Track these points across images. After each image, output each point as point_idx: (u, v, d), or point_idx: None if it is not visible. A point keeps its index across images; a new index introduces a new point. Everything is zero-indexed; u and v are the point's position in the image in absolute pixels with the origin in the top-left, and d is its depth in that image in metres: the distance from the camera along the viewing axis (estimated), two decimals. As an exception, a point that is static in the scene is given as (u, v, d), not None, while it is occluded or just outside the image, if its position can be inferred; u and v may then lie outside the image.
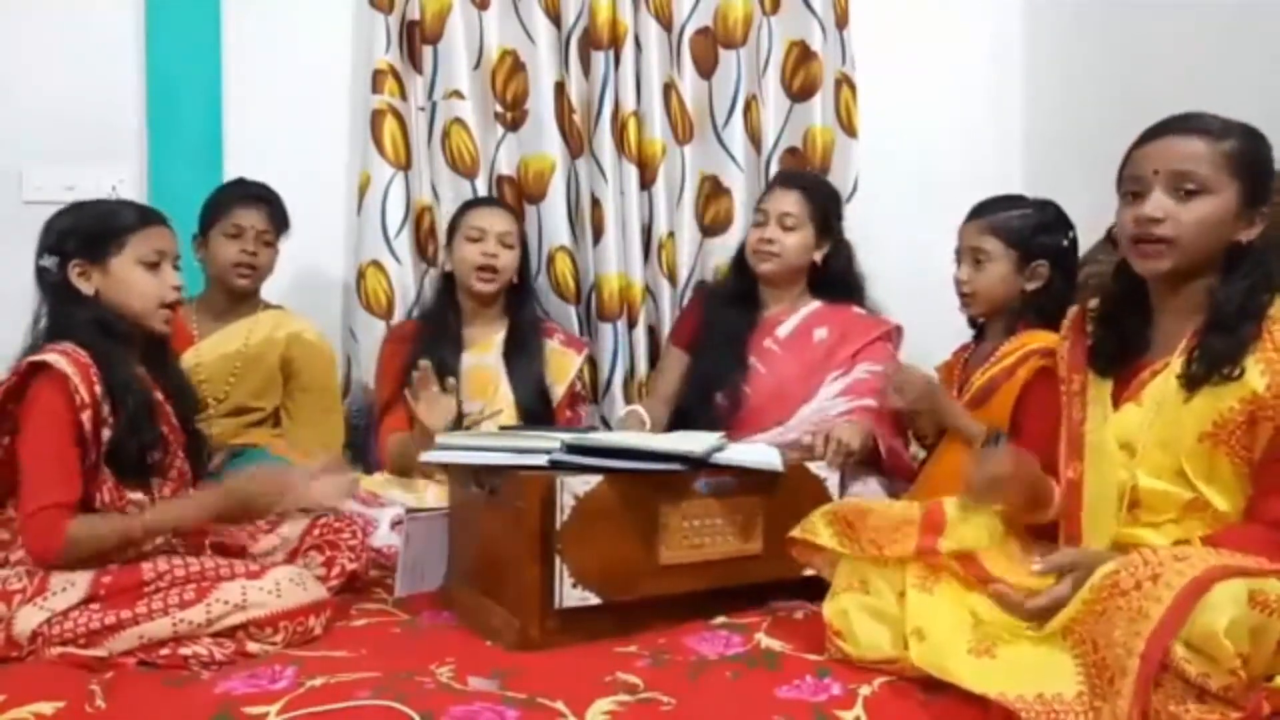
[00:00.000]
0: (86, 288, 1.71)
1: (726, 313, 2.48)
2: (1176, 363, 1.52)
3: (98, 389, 1.62)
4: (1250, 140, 1.52)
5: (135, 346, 1.75)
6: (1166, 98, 2.47)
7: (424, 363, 2.23)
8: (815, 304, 2.47)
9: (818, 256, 2.45)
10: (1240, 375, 1.45)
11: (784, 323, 2.44)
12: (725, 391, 2.37)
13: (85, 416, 1.59)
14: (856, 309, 2.48)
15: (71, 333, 1.67)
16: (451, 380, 2.26)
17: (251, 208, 2.40)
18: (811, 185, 2.52)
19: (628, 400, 2.76)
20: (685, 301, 2.83)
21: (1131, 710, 1.19)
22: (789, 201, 2.42)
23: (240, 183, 2.46)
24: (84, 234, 1.71)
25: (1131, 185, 1.55)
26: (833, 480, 1.87)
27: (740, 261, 2.53)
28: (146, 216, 1.77)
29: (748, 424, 2.29)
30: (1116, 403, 1.59)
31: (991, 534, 1.55)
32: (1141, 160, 1.54)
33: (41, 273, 1.73)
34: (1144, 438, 1.52)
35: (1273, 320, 1.47)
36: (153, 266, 1.74)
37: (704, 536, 1.72)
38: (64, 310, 1.70)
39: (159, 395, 1.77)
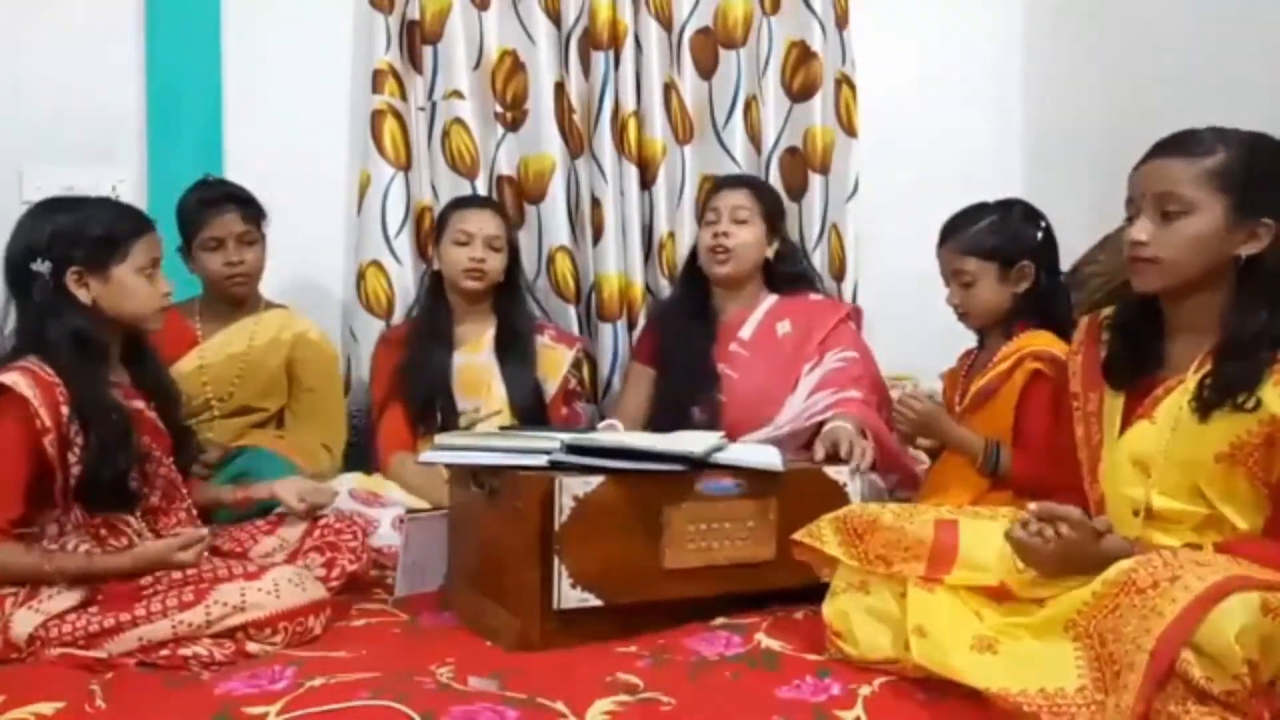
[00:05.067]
0: (84, 296, 1.67)
1: (684, 327, 2.49)
2: (1191, 383, 1.50)
3: (64, 410, 1.57)
4: (1242, 152, 1.49)
5: (110, 359, 1.72)
6: (1166, 97, 2.50)
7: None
8: (772, 298, 2.49)
9: (769, 253, 2.48)
10: (1256, 407, 1.44)
11: (745, 323, 2.46)
12: (701, 406, 2.38)
13: (48, 441, 1.55)
14: (812, 295, 2.53)
15: (45, 344, 1.62)
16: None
17: (223, 213, 2.33)
18: (757, 183, 2.62)
19: (625, 401, 2.75)
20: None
21: (1136, 705, 1.19)
22: (739, 197, 2.46)
23: (203, 185, 2.39)
24: (87, 240, 1.67)
25: (1129, 207, 1.57)
26: (853, 487, 1.84)
27: (689, 272, 2.55)
28: (143, 222, 1.75)
29: (730, 431, 2.27)
30: (1129, 418, 1.58)
31: (1003, 568, 1.49)
32: (1133, 184, 1.56)
33: (28, 276, 1.65)
34: (1160, 457, 1.51)
35: None
36: (149, 274, 1.72)
37: (711, 541, 1.70)
38: (45, 319, 1.64)
39: (139, 403, 1.74)
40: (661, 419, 2.43)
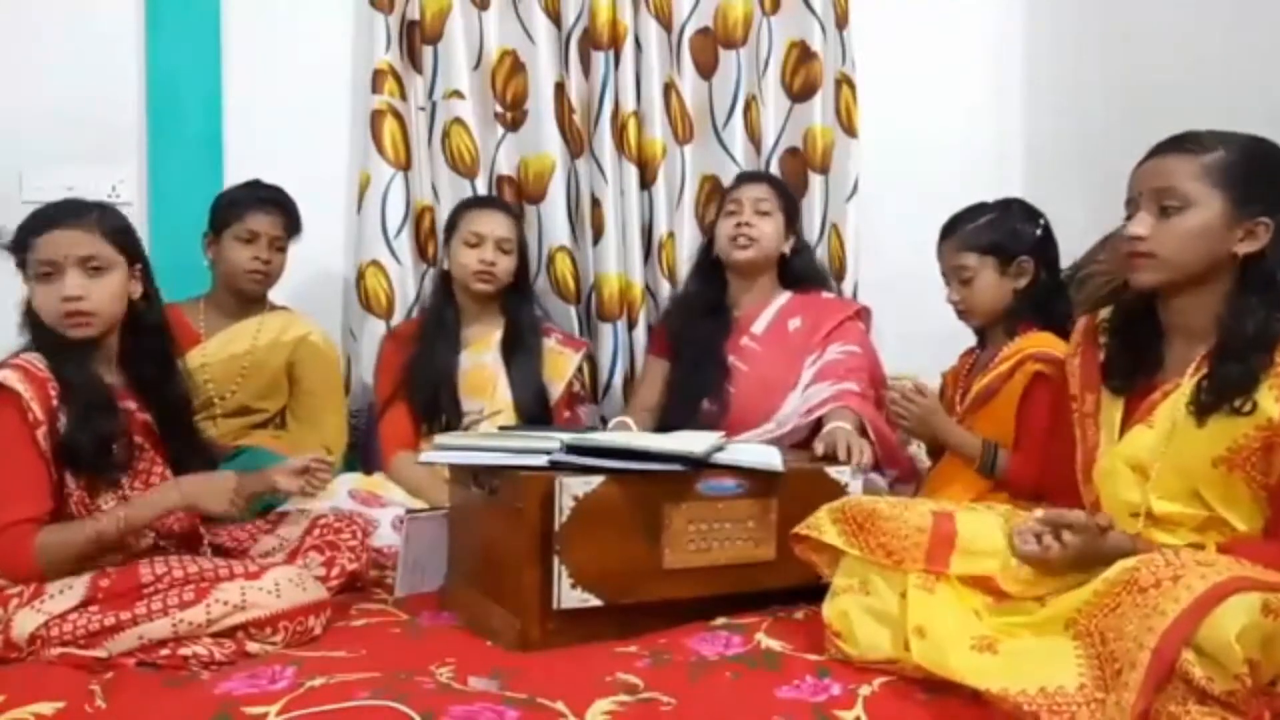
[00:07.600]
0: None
1: (698, 322, 2.50)
2: (1187, 387, 1.50)
3: (54, 402, 1.60)
4: (1240, 151, 1.50)
5: (94, 347, 1.70)
6: (1167, 97, 2.50)
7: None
8: (786, 294, 2.51)
9: (786, 248, 2.50)
10: (1253, 410, 1.43)
11: (758, 319, 2.47)
12: (710, 397, 2.39)
13: (40, 433, 1.57)
14: (825, 294, 2.56)
15: (38, 341, 1.67)
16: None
17: (267, 213, 2.38)
18: (776, 180, 2.65)
19: (627, 400, 2.76)
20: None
21: (1137, 703, 1.19)
22: (760, 190, 2.48)
23: (256, 184, 2.44)
24: (13, 253, 1.69)
25: (1128, 205, 1.58)
26: (854, 486, 1.83)
27: (704, 264, 2.55)
28: (40, 225, 1.66)
29: (737, 423, 2.30)
30: (1127, 423, 1.58)
31: (1004, 557, 1.48)
32: (1133, 181, 1.57)
33: None
34: (1157, 461, 1.51)
35: None
36: (45, 278, 1.65)
37: (711, 541, 1.70)
38: (30, 322, 1.70)
39: (130, 403, 1.73)
40: (673, 411, 2.45)
